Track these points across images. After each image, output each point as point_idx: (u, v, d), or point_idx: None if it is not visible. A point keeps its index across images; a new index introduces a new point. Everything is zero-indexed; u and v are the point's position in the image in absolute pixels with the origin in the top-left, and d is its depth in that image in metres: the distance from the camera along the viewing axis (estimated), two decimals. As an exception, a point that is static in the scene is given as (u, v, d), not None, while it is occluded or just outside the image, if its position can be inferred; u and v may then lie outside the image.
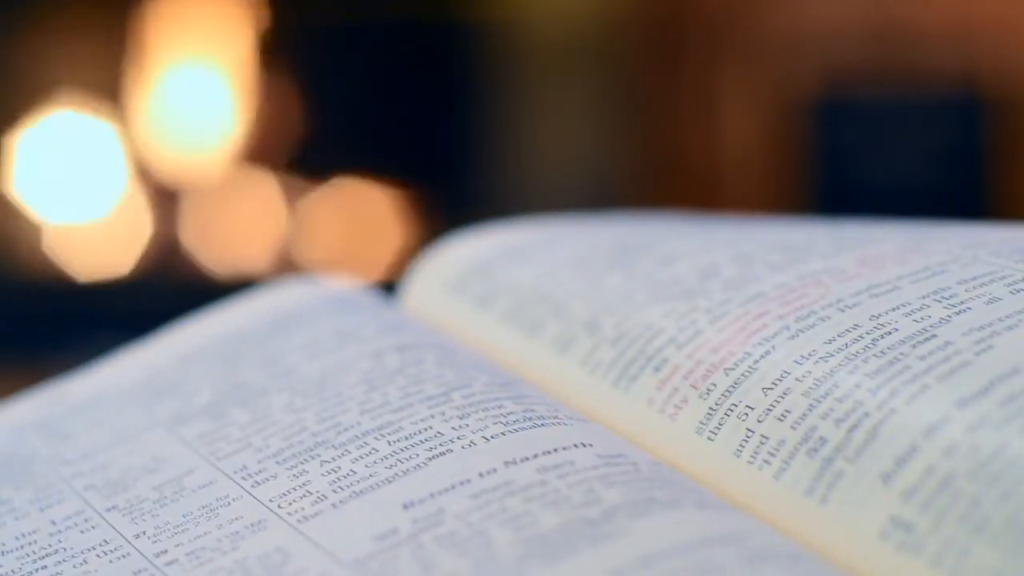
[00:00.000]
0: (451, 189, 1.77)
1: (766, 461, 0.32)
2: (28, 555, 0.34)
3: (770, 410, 0.33)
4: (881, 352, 0.33)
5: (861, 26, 1.69)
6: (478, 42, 1.77)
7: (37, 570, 0.33)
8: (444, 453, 0.33)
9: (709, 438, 0.33)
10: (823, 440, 0.31)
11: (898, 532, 0.29)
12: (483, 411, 0.35)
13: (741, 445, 0.33)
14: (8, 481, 0.37)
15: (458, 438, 0.33)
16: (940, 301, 0.34)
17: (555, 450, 0.32)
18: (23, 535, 0.35)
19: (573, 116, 1.77)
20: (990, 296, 0.34)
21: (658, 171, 1.79)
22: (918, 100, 1.69)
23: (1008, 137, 1.67)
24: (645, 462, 0.33)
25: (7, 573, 0.33)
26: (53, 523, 0.35)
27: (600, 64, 1.77)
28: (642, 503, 0.30)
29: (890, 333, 0.33)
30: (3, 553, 0.34)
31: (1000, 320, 0.33)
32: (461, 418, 0.34)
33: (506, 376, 0.37)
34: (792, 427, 0.32)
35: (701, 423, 0.34)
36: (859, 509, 0.30)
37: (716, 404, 0.34)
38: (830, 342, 0.34)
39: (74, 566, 0.33)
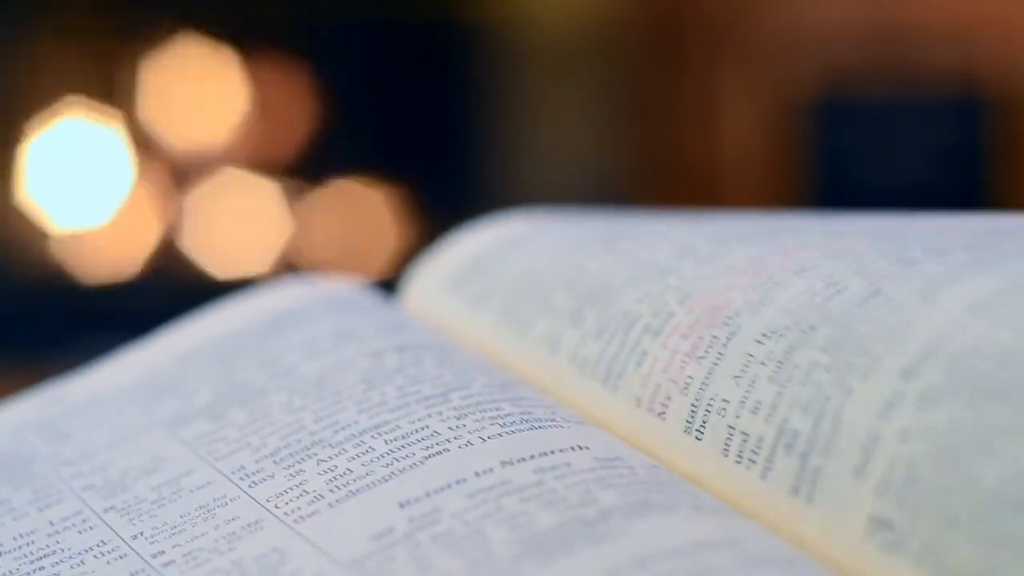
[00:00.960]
0: (451, 189, 1.77)
1: (751, 460, 0.31)
2: (26, 555, 0.34)
3: (743, 402, 0.32)
4: (835, 320, 0.31)
5: (861, 26, 1.69)
6: (478, 42, 1.77)
7: (35, 571, 0.33)
8: (441, 452, 0.33)
9: (697, 437, 0.33)
10: (796, 433, 0.30)
11: (880, 531, 0.28)
12: (480, 412, 0.35)
13: (726, 444, 0.32)
14: (8, 481, 0.37)
15: (455, 438, 0.33)
16: (893, 258, 0.32)
17: (552, 452, 0.32)
18: (21, 535, 0.35)
19: (573, 116, 1.77)
20: (940, 251, 0.32)
21: (658, 171, 1.79)
22: (918, 100, 1.69)
23: (1008, 137, 1.67)
24: (642, 465, 0.32)
25: (5, 573, 0.33)
26: (51, 523, 0.35)
27: (600, 64, 1.77)
28: (639, 505, 0.30)
29: (840, 292, 0.32)
30: (1, 554, 0.34)
31: (949, 272, 0.31)
32: (458, 418, 0.34)
33: (504, 377, 0.37)
34: (766, 420, 0.31)
35: (687, 421, 0.33)
36: (842, 508, 0.28)
37: (696, 400, 0.33)
38: (787, 313, 0.32)
39: (71, 567, 0.33)
